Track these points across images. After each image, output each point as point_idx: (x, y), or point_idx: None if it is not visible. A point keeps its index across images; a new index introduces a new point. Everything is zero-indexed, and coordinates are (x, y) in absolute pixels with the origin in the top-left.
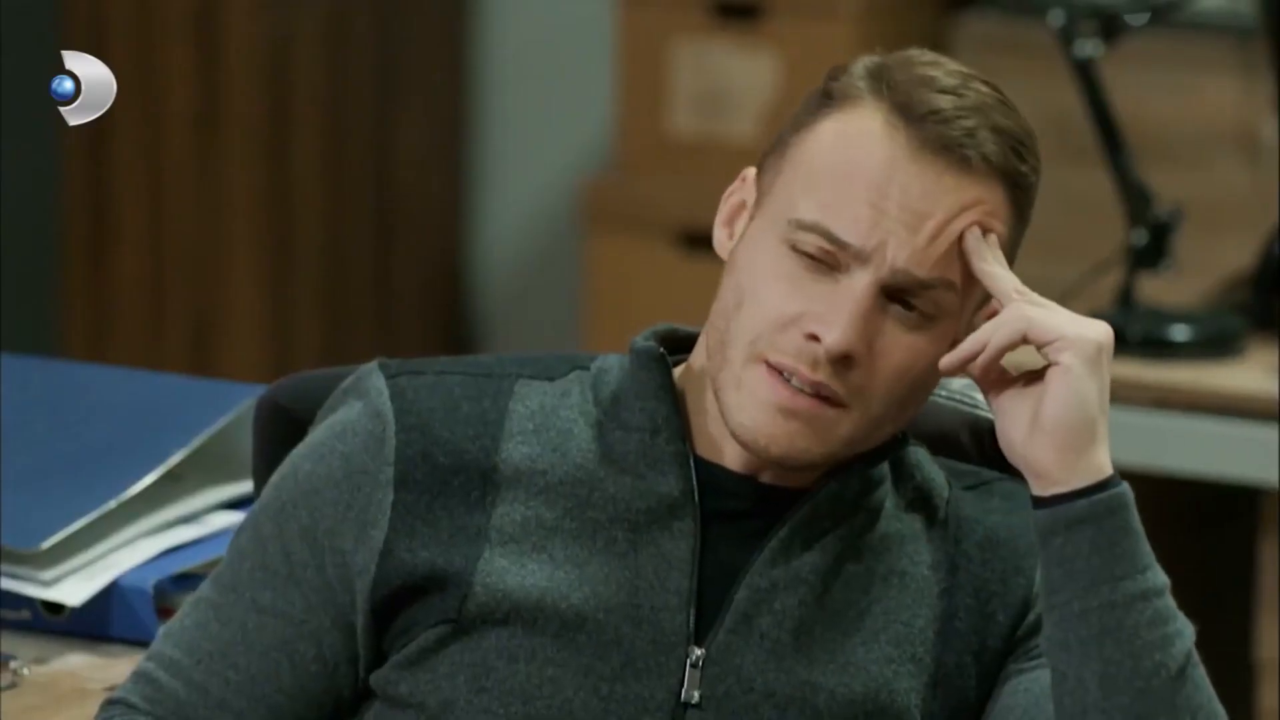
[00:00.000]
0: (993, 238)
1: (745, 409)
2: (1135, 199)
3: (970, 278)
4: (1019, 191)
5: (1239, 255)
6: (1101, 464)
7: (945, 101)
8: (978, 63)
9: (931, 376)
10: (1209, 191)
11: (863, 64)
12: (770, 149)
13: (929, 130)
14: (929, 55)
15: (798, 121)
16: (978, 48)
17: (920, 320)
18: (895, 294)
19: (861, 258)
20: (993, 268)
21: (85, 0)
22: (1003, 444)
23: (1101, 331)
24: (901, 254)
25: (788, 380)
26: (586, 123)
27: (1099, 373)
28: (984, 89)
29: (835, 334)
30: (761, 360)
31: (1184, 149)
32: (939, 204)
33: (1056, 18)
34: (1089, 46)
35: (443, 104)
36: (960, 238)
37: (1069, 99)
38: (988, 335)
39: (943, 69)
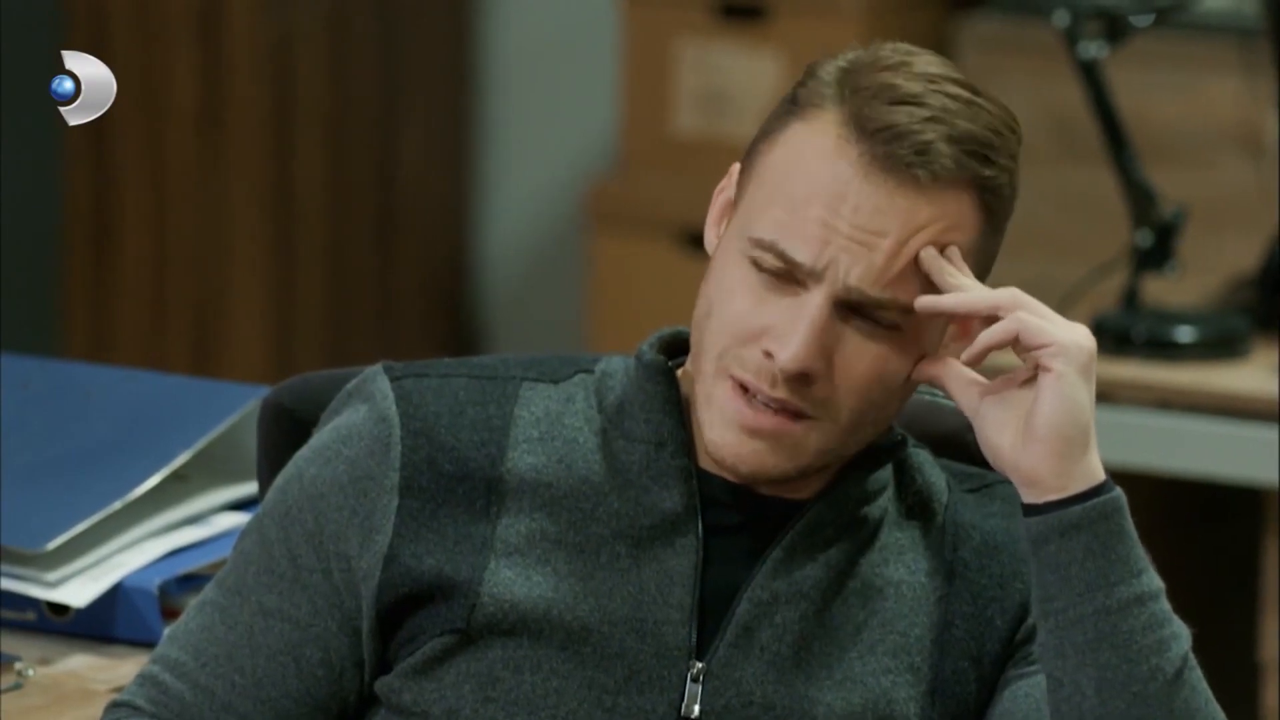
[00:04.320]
0: (953, 250)
1: (715, 426)
2: (1139, 199)
3: (930, 293)
4: (987, 194)
5: (1243, 255)
6: (1095, 469)
7: (901, 115)
8: (982, 63)
9: (904, 380)
10: (1213, 192)
11: (833, 66)
12: (748, 149)
13: (879, 148)
14: (900, 55)
15: (767, 127)
16: (982, 48)
17: (883, 331)
18: (853, 308)
19: (815, 275)
20: (958, 282)
21: None
22: (987, 450)
23: (1089, 337)
24: (854, 272)
25: (752, 397)
26: (590, 123)
27: (1090, 380)
28: (951, 90)
29: (788, 353)
30: (727, 375)
31: (1188, 149)
32: (891, 223)
33: (1061, 18)
34: (1093, 47)
35: (446, 103)
36: (917, 259)
37: (1073, 99)
38: (969, 299)
39: (907, 72)
